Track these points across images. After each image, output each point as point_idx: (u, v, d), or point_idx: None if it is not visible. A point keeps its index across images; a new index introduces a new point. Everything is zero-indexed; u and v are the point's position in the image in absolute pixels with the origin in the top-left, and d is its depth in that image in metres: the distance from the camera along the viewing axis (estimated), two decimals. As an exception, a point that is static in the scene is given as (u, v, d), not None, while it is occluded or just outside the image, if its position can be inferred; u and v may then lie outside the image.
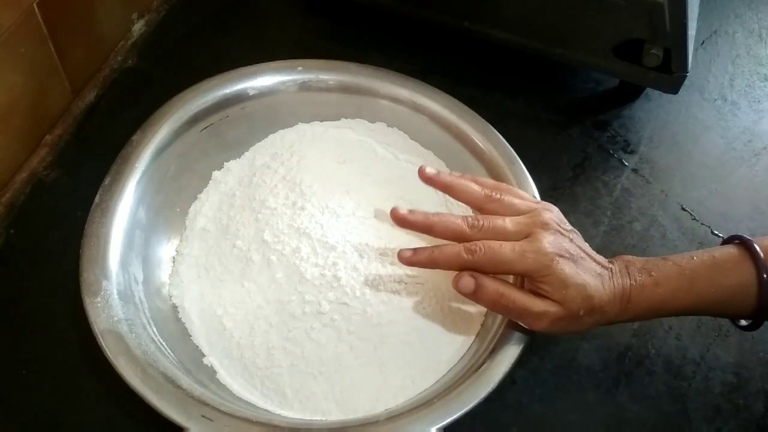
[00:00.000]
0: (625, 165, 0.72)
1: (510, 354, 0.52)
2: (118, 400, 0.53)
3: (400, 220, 0.53)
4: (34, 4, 0.61)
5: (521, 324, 0.52)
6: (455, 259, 0.51)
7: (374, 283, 0.55)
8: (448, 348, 0.55)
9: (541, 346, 0.59)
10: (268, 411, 0.52)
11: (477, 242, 0.50)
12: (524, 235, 0.51)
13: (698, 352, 0.60)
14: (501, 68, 0.77)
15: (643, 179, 0.71)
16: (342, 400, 0.53)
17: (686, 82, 0.68)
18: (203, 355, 0.55)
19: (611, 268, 0.52)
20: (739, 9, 0.87)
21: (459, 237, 0.52)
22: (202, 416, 0.47)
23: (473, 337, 0.56)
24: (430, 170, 0.56)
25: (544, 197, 0.61)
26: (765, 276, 0.51)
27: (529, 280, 0.51)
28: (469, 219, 0.52)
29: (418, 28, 0.77)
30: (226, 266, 0.58)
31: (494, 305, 0.51)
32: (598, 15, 0.66)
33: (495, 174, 0.62)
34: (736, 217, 0.69)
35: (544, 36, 0.71)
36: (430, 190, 0.64)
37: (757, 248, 0.52)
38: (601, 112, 0.76)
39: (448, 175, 0.56)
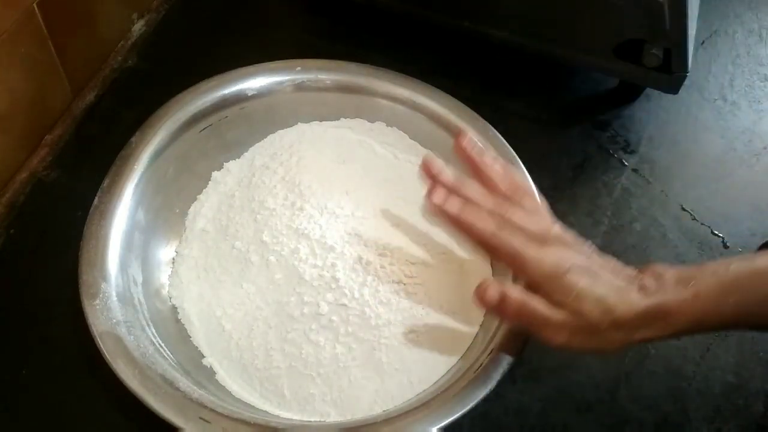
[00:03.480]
0: (625, 165, 0.72)
1: (509, 354, 0.52)
2: (117, 402, 0.53)
3: (429, 173, 0.51)
4: (34, 4, 0.61)
5: (542, 341, 0.49)
6: (481, 231, 0.49)
7: (373, 284, 0.55)
8: (447, 349, 0.55)
9: (541, 346, 0.58)
10: (267, 412, 0.52)
11: (508, 228, 0.49)
12: (541, 241, 0.49)
13: (698, 352, 0.60)
14: (501, 68, 0.77)
15: (643, 179, 0.71)
16: (340, 402, 0.53)
17: (686, 82, 0.68)
18: (202, 356, 0.55)
19: (639, 281, 0.48)
20: (739, 9, 0.87)
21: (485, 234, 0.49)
22: (200, 418, 0.47)
23: (472, 338, 0.56)
24: (468, 142, 0.53)
25: (544, 197, 0.61)
26: None
27: (543, 290, 0.48)
28: (498, 200, 0.50)
29: (418, 28, 0.77)
30: (226, 267, 0.58)
31: (517, 316, 0.49)
32: (598, 15, 0.66)
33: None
34: (736, 217, 0.69)
35: (544, 36, 0.71)
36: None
37: None
38: (601, 112, 0.75)
39: (484, 157, 0.53)
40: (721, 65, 0.81)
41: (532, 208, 0.52)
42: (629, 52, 0.67)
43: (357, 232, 0.59)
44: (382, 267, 0.56)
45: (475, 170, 0.53)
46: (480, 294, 0.49)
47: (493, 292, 0.48)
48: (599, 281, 0.48)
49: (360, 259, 0.57)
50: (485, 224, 0.49)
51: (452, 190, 0.50)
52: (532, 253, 0.48)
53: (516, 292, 0.48)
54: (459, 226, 0.50)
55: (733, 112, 0.77)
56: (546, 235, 0.50)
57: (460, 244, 0.60)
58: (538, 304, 0.48)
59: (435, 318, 0.56)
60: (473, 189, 0.51)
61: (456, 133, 0.53)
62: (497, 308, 0.49)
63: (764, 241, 0.53)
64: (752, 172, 0.72)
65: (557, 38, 0.70)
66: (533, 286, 0.49)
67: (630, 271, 0.50)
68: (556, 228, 0.51)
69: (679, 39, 0.64)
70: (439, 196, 0.50)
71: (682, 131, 0.75)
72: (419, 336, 0.55)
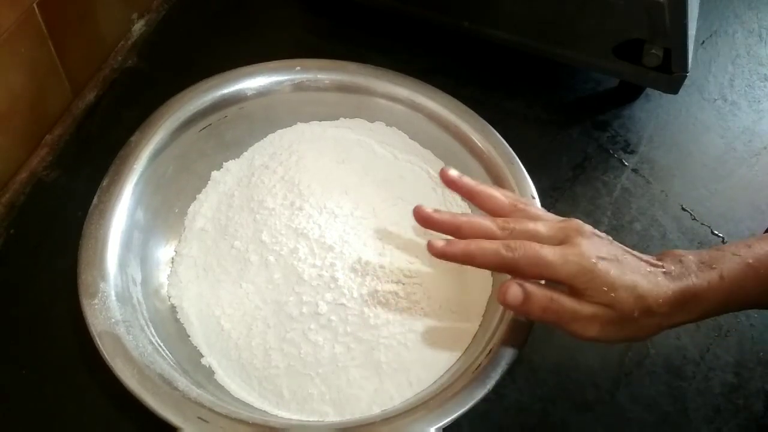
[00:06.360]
0: (625, 165, 0.72)
1: (508, 354, 0.51)
2: (116, 402, 0.53)
3: (425, 220, 0.49)
4: (34, 4, 0.61)
5: (571, 334, 0.48)
6: (493, 256, 0.47)
7: (372, 284, 0.55)
8: (446, 348, 0.55)
9: (541, 346, 0.58)
10: (265, 412, 0.52)
11: (516, 241, 0.47)
12: (559, 240, 0.48)
13: (698, 352, 0.60)
14: (501, 68, 0.77)
15: (643, 179, 0.71)
16: (339, 401, 0.53)
17: (686, 82, 0.68)
18: (201, 356, 0.55)
19: (663, 266, 0.48)
20: (739, 9, 0.87)
21: (489, 239, 0.48)
22: (198, 418, 0.47)
23: (471, 337, 0.56)
24: (453, 173, 0.51)
25: (544, 197, 0.61)
26: None
27: (573, 287, 0.47)
28: (499, 221, 0.48)
29: (418, 28, 0.77)
30: (225, 267, 0.58)
31: (544, 313, 0.47)
32: (598, 15, 0.66)
33: (494, 174, 0.62)
34: (736, 217, 0.69)
35: (544, 36, 0.71)
36: (428, 190, 0.64)
37: None
38: (601, 112, 0.75)
39: (472, 181, 0.52)
40: (721, 65, 0.81)
41: (538, 212, 0.51)
42: (629, 52, 0.68)
43: (356, 231, 0.59)
44: (381, 267, 0.56)
45: (471, 195, 0.52)
46: (502, 295, 0.47)
47: (515, 292, 0.47)
48: (627, 268, 0.47)
49: (359, 258, 0.57)
50: (491, 251, 0.47)
51: (453, 229, 0.49)
52: (552, 256, 0.47)
53: (540, 290, 0.47)
54: (468, 263, 0.49)
55: (733, 112, 0.77)
56: (560, 232, 0.48)
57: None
58: (566, 300, 0.47)
59: (434, 318, 0.56)
60: (471, 223, 0.49)
61: (440, 173, 0.52)
62: (522, 308, 0.47)
63: None
64: (752, 172, 0.72)
65: (557, 38, 0.70)
66: (561, 284, 0.48)
67: (649, 257, 0.49)
68: (572, 222, 0.49)
69: (679, 39, 0.64)
70: (436, 246, 0.48)
71: (682, 131, 0.75)
72: (418, 336, 0.55)
